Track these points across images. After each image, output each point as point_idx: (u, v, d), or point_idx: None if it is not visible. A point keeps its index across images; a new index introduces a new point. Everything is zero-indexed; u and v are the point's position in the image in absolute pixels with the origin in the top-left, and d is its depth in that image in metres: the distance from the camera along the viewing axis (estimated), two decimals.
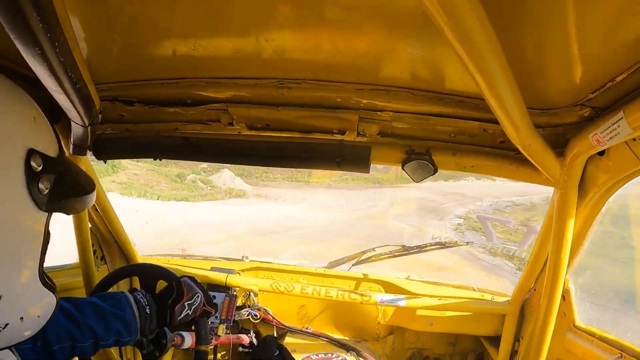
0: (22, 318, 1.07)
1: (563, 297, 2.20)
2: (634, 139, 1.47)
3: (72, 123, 1.82)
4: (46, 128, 1.12)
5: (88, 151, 2.14)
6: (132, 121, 2.19)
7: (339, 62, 1.53)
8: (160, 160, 2.20)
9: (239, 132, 2.07)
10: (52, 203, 1.06)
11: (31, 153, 1.01)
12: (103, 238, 3.00)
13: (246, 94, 1.82)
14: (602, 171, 1.74)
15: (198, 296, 1.86)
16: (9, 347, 1.17)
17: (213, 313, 1.93)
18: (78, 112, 1.61)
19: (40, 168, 1.02)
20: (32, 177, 1.00)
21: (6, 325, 1.03)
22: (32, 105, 1.11)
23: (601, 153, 1.68)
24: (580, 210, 1.90)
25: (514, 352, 2.65)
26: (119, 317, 1.67)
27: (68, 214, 1.17)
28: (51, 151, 1.10)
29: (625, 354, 1.93)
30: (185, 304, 1.82)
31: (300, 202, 26.50)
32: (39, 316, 1.15)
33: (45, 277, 1.13)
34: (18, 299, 1.05)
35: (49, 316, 1.18)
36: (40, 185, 1.02)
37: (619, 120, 1.35)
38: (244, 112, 1.92)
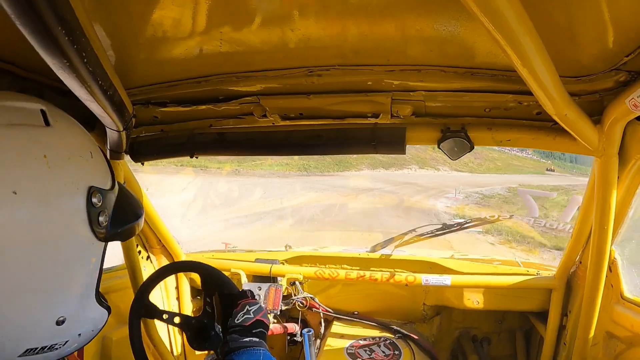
0: (80, 335, 1.18)
1: (609, 269, 2.16)
2: None
3: (107, 129, 1.88)
4: (101, 161, 1.21)
5: (127, 156, 2.21)
6: (166, 122, 2.24)
7: (367, 45, 1.53)
8: (197, 158, 2.24)
9: (273, 123, 2.09)
10: (110, 234, 1.15)
11: (91, 190, 1.08)
12: (147, 238, 3.08)
13: (277, 85, 1.83)
14: None
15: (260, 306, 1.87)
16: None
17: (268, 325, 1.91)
18: (112, 118, 1.67)
19: (100, 203, 1.10)
20: (93, 213, 1.08)
21: (66, 342, 1.14)
22: (88, 139, 1.19)
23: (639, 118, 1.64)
24: (622, 178, 1.86)
25: (562, 327, 2.61)
26: None
27: (123, 240, 1.31)
28: (107, 184, 1.18)
29: None
30: (248, 307, 1.82)
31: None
32: (92, 330, 1.26)
33: (101, 297, 1.24)
34: (79, 319, 1.16)
35: (100, 328, 1.29)
36: (100, 219, 1.11)
37: None
38: (276, 103, 1.94)
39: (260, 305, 1.81)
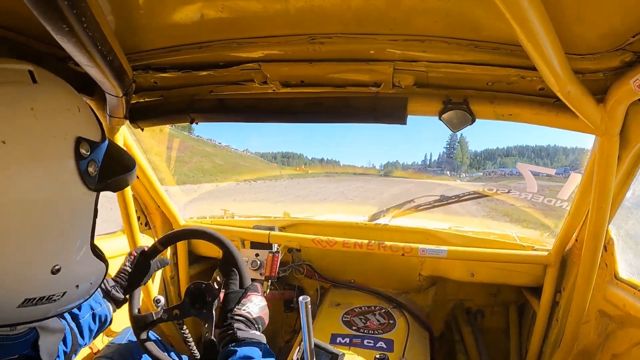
0: (77, 286, 1.22)
1: (605, 248, 2.17)
2: None
3: (107, 95, 1.88)
4: (89, 116, 1.22)
5: (127, 122, 2.20)
6: (166, 88, 2.23)
7: (370, 13, 1.50)
8: (196, 123, 2.23)
9: (274, 90, 2.08)
10: (100, 183, 1.18)
11: (79, 141, 1.11)
12: (146, 205, 3.10)
13: (278, 51, 1.81)
14: None
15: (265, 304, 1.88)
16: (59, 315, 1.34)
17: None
18: (111, 84, 1.67)
19: (88, 153, 1.13)
20: (82, 163, 1.12)
21: (64, 293, 1.18)
22: (75, 96, 1.19)
23: None
24: (622, 158, 1.86)
25: (555, 303, 2.64)
26: None
27: (114, 191, 1.30)
28: (96, 136, 1.19)
29: None
30: (256, 300, 1.83)
31: None
32: (91, 283, 1.29)
33: (96, 249, 1.27)
34: (75, 270, 1.18)
35: (100, 282, 1.34)
36: (90, 169, 1.14)
37: None
38: (277, 69, 1.92)
39: (266, 304, 1.86)
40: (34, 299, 1.10)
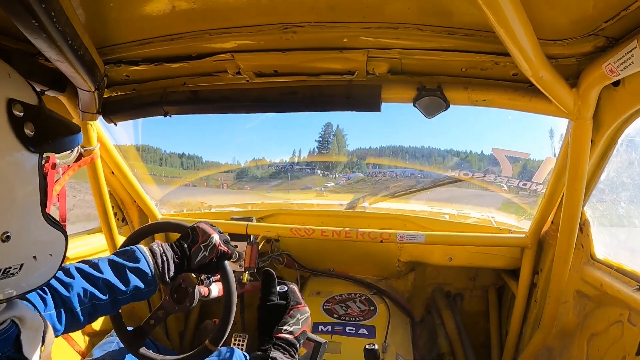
0: (35, 257, 1.16)
1: (580, 230, 2.21)
2: None
3: (79, 90, 1.84)
4: (21, 81, 1.17)
5: (99, 116, 2.17)
6: (138, 81, 2.20)
7: (343, 1, 1.49)
8: (170, 116, 2.20)
9: (247, 81, 2.06)
10: (40, 144, 1.14)
11: (11, 102, 1.08)
12: (122, 200, 3.07)
13: (251, 41, 1.79)
14: (617, 102, 1.72)
15: (213, 237, 1.85)
16: (30, 302, 1.31)
17: (230, 254, 1.89)
18: (83, 79, 1.64)
19: (22, 114, 1.09)
20: (16, 123, 1.08)
21: (22, 265, 1.12)
22: (3, 64, 1.15)
23: (616, 84, 1.65)
24: (595, 141, 1.89)
25: (532, 285, 2.69)
26: (134, 268, 1.70)
27: (58, 152, 1.26)
28: (31, 100, 1.15)
29: None
30: (201, 245, 1.82)
31: None
32: (51, 254, 1.23)
33: (50, 217, 1.20)
34: (27, 238, 1.13)
35: (62, 255, 1.26)
36: (26, 130, 1.09)
37: (633, 49, 1.34)
38: (250, 60, 1.90)
39: (212, 237, 1.84)
40: None
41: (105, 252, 2.81)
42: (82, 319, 1.60)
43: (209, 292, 2.16)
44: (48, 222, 1.20)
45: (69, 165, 1.40)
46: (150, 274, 1.71)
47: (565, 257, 2.18)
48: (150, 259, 1.74)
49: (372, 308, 2.91)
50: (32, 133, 1.11)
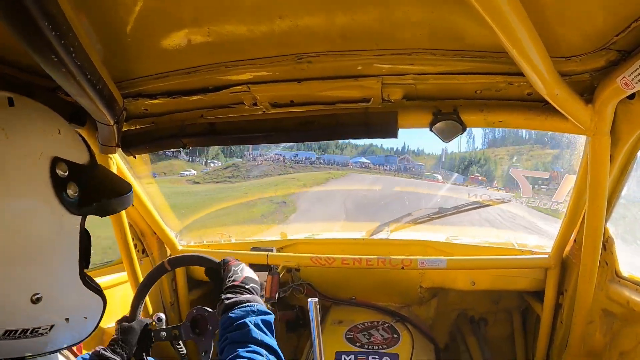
0: (67, 319, 1.13)
1: (604, 247, 2.17)
2: None
3: (98, 123, 1.87)
4: (72, 138, 1.17)
5: (119, 149, 2.20)
6: (156, 114, 2.22)
7: (355, 29, 1.51)
8: (189, 149, 2.22)
9: (264, 111, 2.08)
10: (82, 206, 1.11)
11: (56, 161, 1.06)
12: (142, 232, 3.08)
13: (266, 72, 1.82)
14: (634, 115, 1.71)
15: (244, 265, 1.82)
16: (59, 351, 1.23)
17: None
18: (102, 112, 1.66)
19: (67, 174, 1.07)
20: (59, 184, 1.06)
21: (52, 326, 1.09)
22: (56, 119, 1.15)
23: (631, 97, 1.64)
24: (614, 156, 1.87)
25: (558, 306, 2.63)
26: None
27: (102, 215, 1.21)
28: (79, 158, 1.14)
29: None
30: (234, 267, 1.77)
31: None
32: (86, 317, 1.20)
33: (87, 279, 1.18)
34: (59, 300, 1.11)
35: (98, 318, 1.24)
36: (69, 191, 1.07)
37: None
38: (266, 91, 1.93)
39: (244, 264, 1.82)
40: (16, 331, 1.02)
41: (126, 283, 2.80)
42: None
43: None
44: (85, 284, 1.17)
45: None
46: None
47: (589, 276, 2.15)
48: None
49: (395, 336, 2.86)
50: (75, 194, 1.09)
